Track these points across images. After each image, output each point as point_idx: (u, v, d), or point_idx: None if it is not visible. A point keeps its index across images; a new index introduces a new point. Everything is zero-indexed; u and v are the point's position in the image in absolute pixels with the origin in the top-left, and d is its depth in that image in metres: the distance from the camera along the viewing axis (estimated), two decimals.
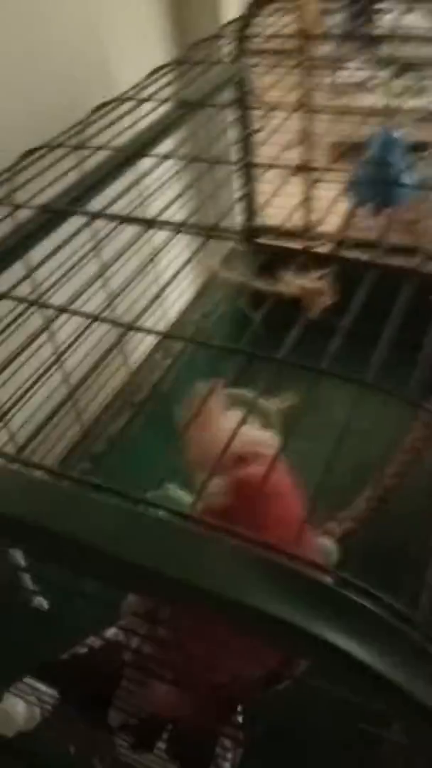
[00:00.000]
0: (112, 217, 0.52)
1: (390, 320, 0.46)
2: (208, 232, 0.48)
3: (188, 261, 0.47)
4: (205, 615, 0.34)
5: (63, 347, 0.73)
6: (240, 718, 0.49)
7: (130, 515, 0.31)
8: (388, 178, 0.64)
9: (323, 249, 1.04)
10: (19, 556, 0.68)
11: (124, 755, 0.66)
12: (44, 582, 0.66)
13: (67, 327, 0.62)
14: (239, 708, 0.48)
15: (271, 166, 0.58)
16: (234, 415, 0.55)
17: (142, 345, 1.16)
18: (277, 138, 0.89)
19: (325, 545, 0.60)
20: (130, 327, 0.43)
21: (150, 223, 0.50)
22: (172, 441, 1.11)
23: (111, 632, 0.53)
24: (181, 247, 0.83)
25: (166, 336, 0.44)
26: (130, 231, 0.74)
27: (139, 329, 0.45)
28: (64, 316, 0.60)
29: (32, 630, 0.63)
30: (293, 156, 0.95)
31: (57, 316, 0.54)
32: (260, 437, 0.54)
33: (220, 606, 0.28)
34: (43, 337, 0.70)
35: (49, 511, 0.31)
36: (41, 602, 0.67)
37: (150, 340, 1.17)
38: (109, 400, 1.07)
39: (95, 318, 0.46)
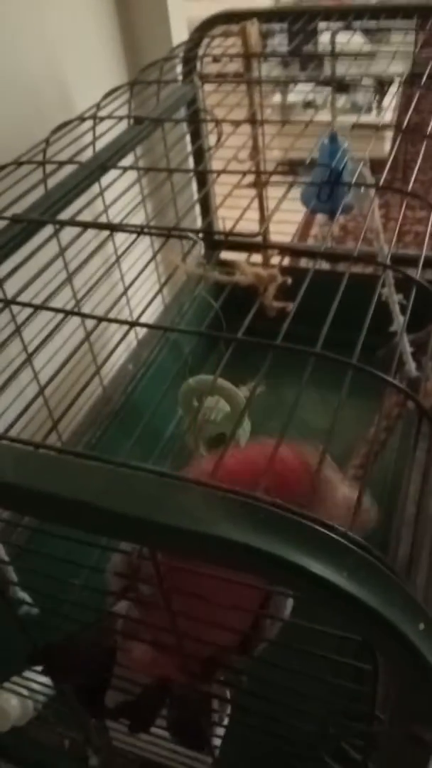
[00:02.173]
0: (80, 224, 0.56)
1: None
2: (169, 232, 0.52)
3: (153, 257, 0.51)
4: (180, 557, 0.37)
5: (33, 350, 0.76)
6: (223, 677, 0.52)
7: (110, 473, 0.35)
8: (335, 181, 0.69)
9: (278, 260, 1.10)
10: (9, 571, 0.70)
11: (119, 741, 0.68)
12: (31, 590, 0.69)
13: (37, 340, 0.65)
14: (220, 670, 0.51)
15: (222, 172, 0.63)
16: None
17: (113, 356, 1.19)
18: (228, 153, 0.94)
19: None
20: (102, 318, 0.46)
21: (114, 227, 0.54)
22: (149, 448, 1.15)
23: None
24: (141, 253, 0.87)
25: (143, 325, 0.47)
26: (95, 243, 0.78)
27: (115, 320, 0.48)
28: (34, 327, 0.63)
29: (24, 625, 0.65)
30: (245, 168, 1.01)
31: (29, 316, 0.58)
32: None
33: (193, 542, 0.32)
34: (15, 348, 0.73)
35: (40, 475, 0.35)
36: (29, 610, 0.69)
37: (120, 352, 1.21)
38: (83, 414, 1.10)
39: (69, 312, 0.49)
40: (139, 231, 0.52)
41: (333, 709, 0.46)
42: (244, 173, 0.58)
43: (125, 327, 1.05)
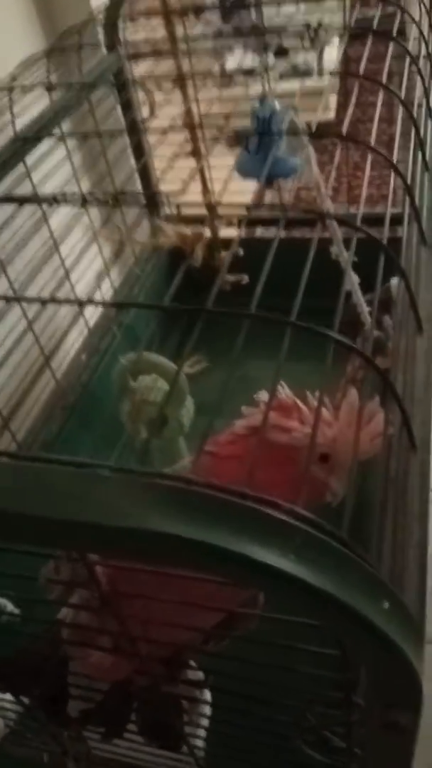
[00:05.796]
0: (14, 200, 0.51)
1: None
2: (83, 198, 0.47)
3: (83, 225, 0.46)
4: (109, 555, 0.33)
5: None
6: (196, 675, 0.49)
7: (17, 470, 0.30)
8: (270, 138, 0.65)
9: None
10: None
11: (97, 749, 0.65)
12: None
13: None
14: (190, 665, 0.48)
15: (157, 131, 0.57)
16: None
17: (64, 346, 1.14)
18: (164, 123, 0.89)
19: None
20: (83, 302, 0.40)
21: (23, 200, 0.48)
22: (108, 437, 1.10)
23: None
24: (81, 234, 0.82)
25: (92, 303, 0.41)
26: (26, 224, 0.73)
27: (91, 302, 0.42)
28: None
29: None
30: (180, 136, 0.95)
31: None
32: None
33: (115, 538, 0.27)
34: None
35: None
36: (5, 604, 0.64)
37: (71, 341, 1.15)
38: (37, 409, 1.05)
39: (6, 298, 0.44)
40: (51, 201, 0.47)
41: (308, 699, 0.42)
42: (167, 129, 0.53)
43: (73, 314, 1.00)
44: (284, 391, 0.48)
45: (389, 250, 0.45)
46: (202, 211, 1.04)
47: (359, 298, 0.90)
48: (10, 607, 0.65)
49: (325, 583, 0.27)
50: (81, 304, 0.40)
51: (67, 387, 1.08)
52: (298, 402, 0.48)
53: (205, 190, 1.07)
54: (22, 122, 0.79)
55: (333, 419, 0.47)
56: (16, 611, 0.62)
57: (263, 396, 0.49)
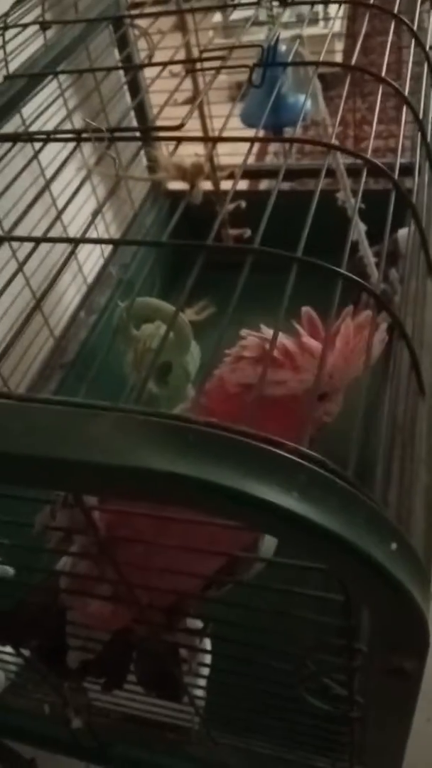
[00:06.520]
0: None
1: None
2: (78, 135, 0.44)
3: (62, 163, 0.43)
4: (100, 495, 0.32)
5: None
6: (195, 624, 0.48)
7: (5, 409, 0.29)
8: (275, 70, 0.61)
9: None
10: None
11: (98, 701, 0.65)
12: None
13: None
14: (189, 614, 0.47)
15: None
16: None
17: (62, 303, 1.11)
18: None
19: None
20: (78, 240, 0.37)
21: (16, 138, 0.46)
22: (111, 394, 1.09)
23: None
24: (74, 175, 0.79)
25: (87, 241, 0.38)
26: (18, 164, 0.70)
27: (85, 240, 0.39)
28: None
29: None
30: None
31: None
32: None
33: (109, 477, 0.26)
34: None
35: None
36: (6, 570, 0.64)
37: (70, 297, 1.13)
38: (35, 368, 1.03)
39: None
40: (46, 138, 0.45)
41: (309, 645, 0.42)
42: (166, 63, 0.50)
43: (71, 274, 0.97)
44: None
45: (398, 185, 0.43)
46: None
47: (366, 248, 0.87)
48: (11, 573, 0.64)
49: (331, 522, 0.26)
50: (75, 242, 0.38)
51: (66, 344, 1.07)
52: (288, 346, 0.45)
53: (204, 126, 1.04)
54: (17, 61, 0.75)
55: (329, 352, 0.45)
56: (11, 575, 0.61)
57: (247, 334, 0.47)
